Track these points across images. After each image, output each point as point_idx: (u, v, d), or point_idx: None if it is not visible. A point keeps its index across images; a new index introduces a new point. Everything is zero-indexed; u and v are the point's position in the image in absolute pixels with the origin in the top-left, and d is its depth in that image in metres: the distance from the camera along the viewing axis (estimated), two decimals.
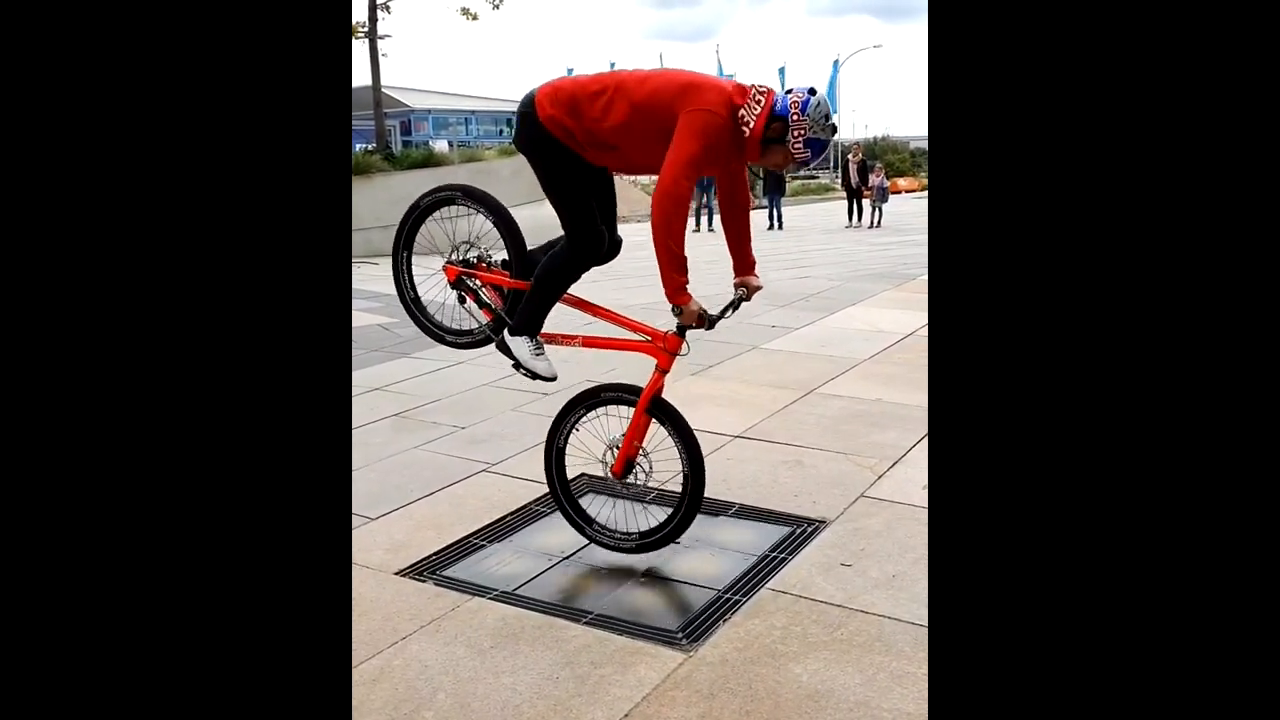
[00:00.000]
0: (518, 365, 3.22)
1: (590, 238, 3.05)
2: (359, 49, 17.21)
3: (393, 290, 3.48)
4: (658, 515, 3.30)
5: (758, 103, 2.78)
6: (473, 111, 47.59)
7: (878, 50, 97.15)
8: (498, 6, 17.79)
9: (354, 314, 7.85)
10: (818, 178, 46.29)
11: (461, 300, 3.38)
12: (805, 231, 18.33)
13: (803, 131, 2.77)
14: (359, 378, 5.85)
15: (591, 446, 3.28)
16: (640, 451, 3.22)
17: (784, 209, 20.18)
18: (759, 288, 3.25)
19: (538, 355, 3.20)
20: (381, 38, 17.65)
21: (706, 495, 3.17)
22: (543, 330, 3.22)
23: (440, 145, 26.26)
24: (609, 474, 3.25)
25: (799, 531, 3.48)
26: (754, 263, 3.24)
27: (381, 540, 3.47)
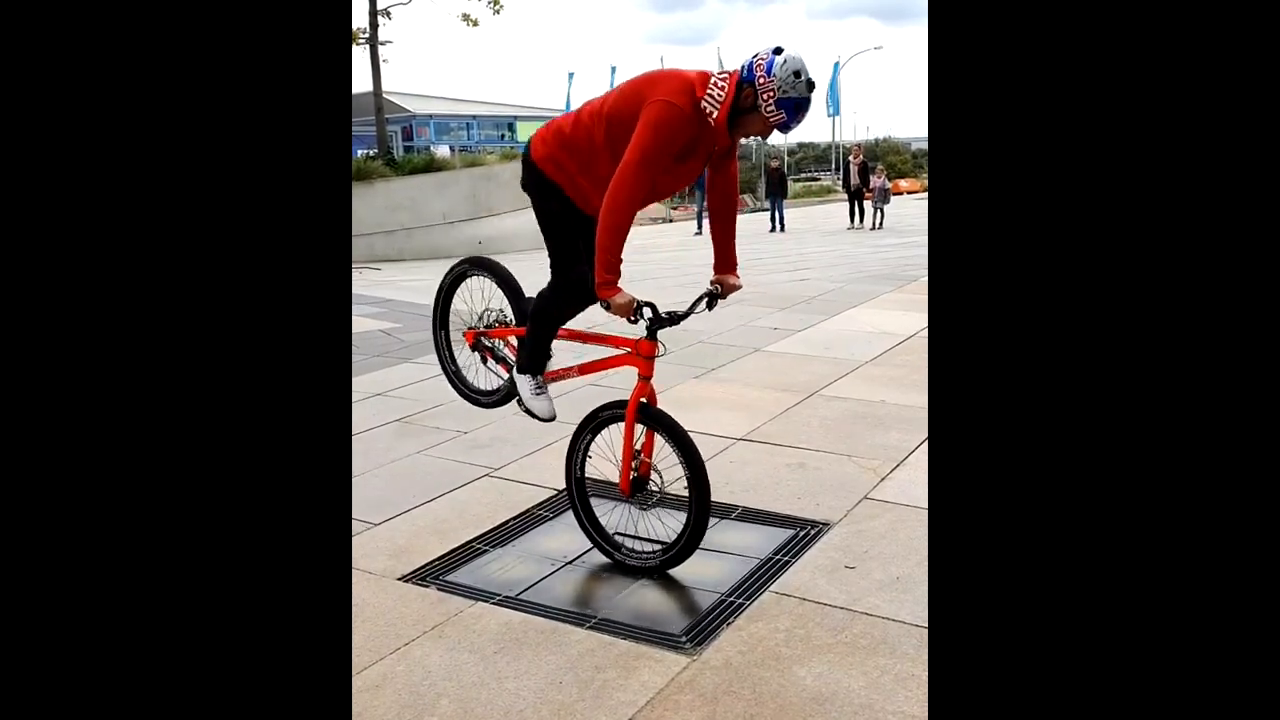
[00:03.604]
0: (520, 404, 3.33)
1: (570, 277, 3.08)
2: (360, 55, 17.27)
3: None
4: (672, 524, 3.20)
5: (720, 88, 2.70)
6: (474, 116, 47.68)
7: (878, 52, 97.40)
8: (498, 12, 17.83)
9: (357, 320, 7.85)
10: (819, 179, 46.31)
11: (484, 360, 3.53)
12: (807, 233, 18.33)
13: (772, 93, 2.65)
14: (361, 383, 5.84)
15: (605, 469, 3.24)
16: (650, 468, 3.16)
17: (785, 211, 20.20)
18: (736, 287, 3.18)
19: (538, 394, 3.29)
20: (382, 44, 17.70)
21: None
22: (547, 370, 3.30)
23: (442, 150, 26.33)
24: (619, 493, 3.22)
25: (802, 534, 3.47)
26: (736, 262, 3.18)
27: (384, 546, 3.47)
